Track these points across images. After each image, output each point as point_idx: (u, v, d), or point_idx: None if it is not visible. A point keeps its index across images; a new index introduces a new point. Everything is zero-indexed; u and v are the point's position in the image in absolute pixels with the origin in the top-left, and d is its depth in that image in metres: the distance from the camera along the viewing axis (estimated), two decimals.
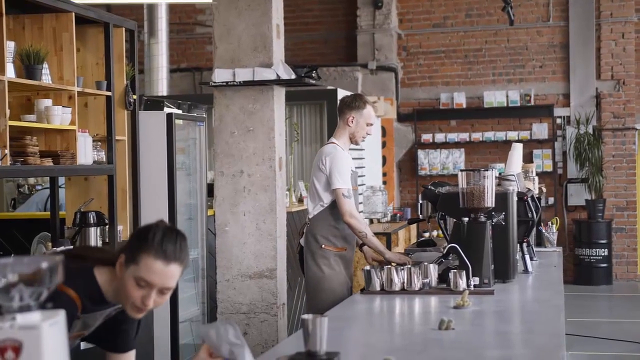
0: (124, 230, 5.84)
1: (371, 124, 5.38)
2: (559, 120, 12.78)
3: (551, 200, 12.62)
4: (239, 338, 2.58)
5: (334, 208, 5.25)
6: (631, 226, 12.66)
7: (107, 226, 5.57)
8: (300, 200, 8.09)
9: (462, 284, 4.24)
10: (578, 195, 12.62)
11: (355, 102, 5.36)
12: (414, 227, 11.29)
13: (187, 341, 6.68)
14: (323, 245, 5.25)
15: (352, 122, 5.31)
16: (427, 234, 12.38)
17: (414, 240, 11.20)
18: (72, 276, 2.53)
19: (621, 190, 12.64)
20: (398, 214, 11.12)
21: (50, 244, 5.48)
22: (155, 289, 2.59)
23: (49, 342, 1.76)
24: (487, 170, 4.50)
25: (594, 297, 11.70)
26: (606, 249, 12.30)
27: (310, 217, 5.37)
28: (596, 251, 12.28)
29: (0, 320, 1.76)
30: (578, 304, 10.92)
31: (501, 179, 5.19)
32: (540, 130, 12.68)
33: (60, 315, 1.82)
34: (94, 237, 5.41)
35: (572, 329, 8.93)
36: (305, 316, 2.79)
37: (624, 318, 10.16)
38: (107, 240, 5.60)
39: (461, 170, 4.54)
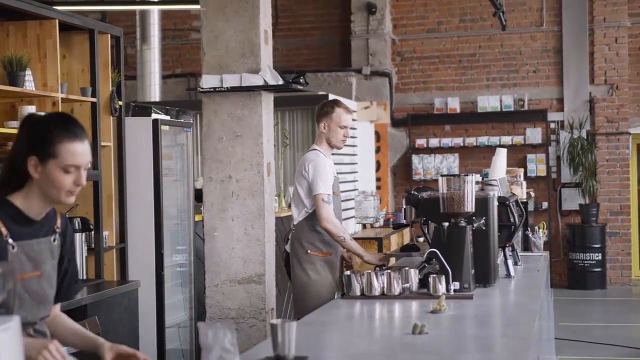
0: (109, 236, 5.86)
1: (345, 127, 5.45)
2: (552, 125, 12.80)
3: (545, 204, 12.63)
4: (234, 345, 2.62)
5: None
6: (625, 230, 12.68)
7: (92, 232, 5.59)
8: (290, 206, 8.10)
9: (442, 288, 4.26)
10: (572, 200, 12.63)
11: (324, 108, 5.50)
12: (407, 231, 11.30)
13: (174, 346, 6.69)
14: (309, 251, 5.33)
15: (325, 128, 5.45)
16: (421, 239, 12.38)
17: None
18: None
19: (615, 195, 12.66)
20: (391, 219, 11.13)
21: None
22: (82, 167, 2.73)
23: (1, 347, 1.78)
24: (468, 175, 4.51)
25: (587, 301, 11.70)
26: (600, 254, 12.31)
27: (295, 223, 5.47)
28: (590, 255, 12.29)
29: None
30: (572, 308, 10.93)
31: (484, 184, 5.21)
32: (534, 134, 12.70)
33: (14, 321, 1.84)
34: (79, 242, 5.42)
35: (565, 333, 8.94)
36: (274, 321, 2.81)
37: (618, 322, 10.17)
38: (92, 246, 5.62)
39: (442, 176, 4.56)
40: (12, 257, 2.66)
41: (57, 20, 5.22)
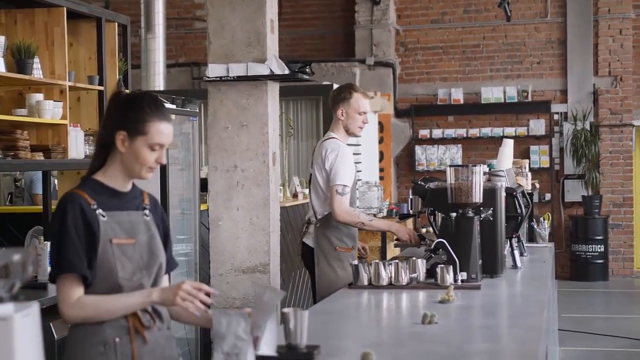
0: None
1: (364, 112, 5.25)
2: (556, 117, 12.80)
3: (548, 196, 12.63)
4: (247, 334, 2.62)
5: None
6: (627, 222, 12.69)
7: None
8: (295, 195, 8.11)
9: (449, 278, 4.26)
10: (575, 192, 12.64)
11: (341, 93, 5.28)
12: (410, 222, 11.31)
13: (179, 335, 6.70)
14: (337, 248, 5.18)
15: (342, 114, 5.24)
16: (424, 230, 12.39)
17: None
18: (76, 188, 2.87)
19: (618, 187, 12.66)
20: (395, 210, 11.12)
21: (42, 237, 5.49)
22: (164, 147, 2.87)
23: (21, 334, 1.78)
24: (475, 166, 4.51)
25: (590, 293, 11.72)
26: (602, 245, 12.33)
27: (319, 217, 5.25)
28: (592, 247, 12.31)
29: None
30: (574, 300, 10.95)
31: (491, 174, 5.21)
32: (538, 126, 12.69)
33: (34, 307, 1.84)
34: None
35: (567, 324, 8.95)
36: (286, 310, 2.81)
37: (620, 314, 10.19)
38: None
39: (449, 166, 4.55)
40: (104, 225, 2.80)
41: (64, 8, 5.22)
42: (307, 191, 8.42)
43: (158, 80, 10.41)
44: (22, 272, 1.82)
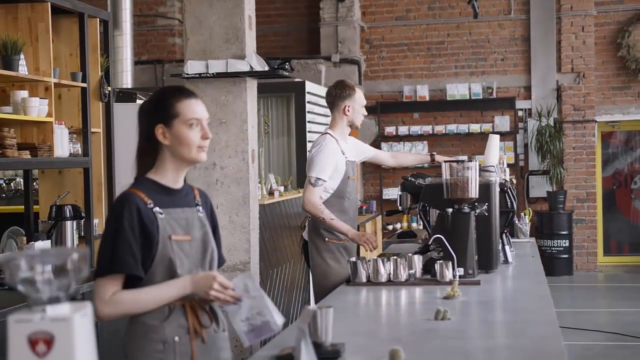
0: (100, 224, 5.76)
1: (364, 105, 5.49)
2: (520, 113, 12.90)
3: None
4: (258, 290, 2.71)
5: (334, 200, 5.22)
6: (591, 217, 12.83)
7: (83, 220, 5.49)
8: (271, 193, 8.05)
9: (449, 274, 4.26)
10: (539, 187, 12.76)
11: (346, 90, 5.40)
12: (379, 219, 11.34)
13: None
14: (327, 239, 5.27)
15: (348, 111, 5.37)
16: (390, 227, 12.42)
17: (379, 232, 11.25)
18: (131, 187, 2.89)
19: (581, 182, 12.80)
20: (364, 207, 11.14)
21: (24, 238, 5.38)
22: (203, 121, 2.87)
23: (80, 334, 1.74)
24: (471, 161, 4.51)
25: (555, 287, 11.78)
26: (567, 240, 12.45)
27: None
28: (557, 242, 12.42)
29: (30, 312, 1.73)
30: None
31: (481, 170, 5.21)
32: (502, 122, 12.79)
33: (88, 307, 1.79)
34: (70, 230, 5.33)
35: None
36: (312, 307, 2.78)
37: (586, 308, 10.30)
38: (82, 234, 5.52)
39: (445, 162, 4.55)
40: (163, 222, 2.80)
41: (49, 3, 5.10)
42: (282, 189, 8.41)
43: (126, 78, 10.26)
44: (78, 271, 1.77)
